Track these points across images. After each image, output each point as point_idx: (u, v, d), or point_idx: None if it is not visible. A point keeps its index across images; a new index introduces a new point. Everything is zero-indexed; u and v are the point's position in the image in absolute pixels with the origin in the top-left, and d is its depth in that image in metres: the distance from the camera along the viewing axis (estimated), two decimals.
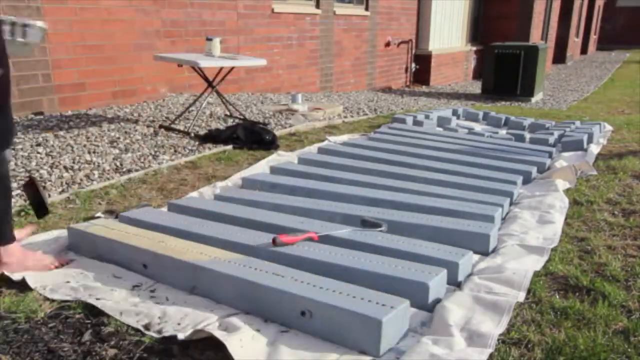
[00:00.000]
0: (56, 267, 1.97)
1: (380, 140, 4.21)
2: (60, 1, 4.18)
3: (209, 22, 5.78)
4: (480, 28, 12.84)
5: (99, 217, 2.49)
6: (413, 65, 10.59)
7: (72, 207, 2.63)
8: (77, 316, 1.64)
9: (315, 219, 2.35)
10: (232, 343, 1.43)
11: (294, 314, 1.58)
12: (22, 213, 2.49)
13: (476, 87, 10.28)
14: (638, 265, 2.07)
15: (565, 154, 4.04)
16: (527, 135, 4.65)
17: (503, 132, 5.04)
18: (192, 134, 4.10)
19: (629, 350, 1.51)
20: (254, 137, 4.02)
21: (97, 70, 4.56)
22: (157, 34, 5.09)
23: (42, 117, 4.11)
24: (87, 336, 1.54)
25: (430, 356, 1.43)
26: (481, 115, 5.81)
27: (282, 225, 2.24)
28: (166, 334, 1.52)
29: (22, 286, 1.83)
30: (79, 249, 2.12)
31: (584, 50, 22.32)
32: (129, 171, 3.20)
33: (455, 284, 1.90)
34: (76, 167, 3.15)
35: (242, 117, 4.81)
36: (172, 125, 4.26)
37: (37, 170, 3.01)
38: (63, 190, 2.81)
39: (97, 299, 1.71)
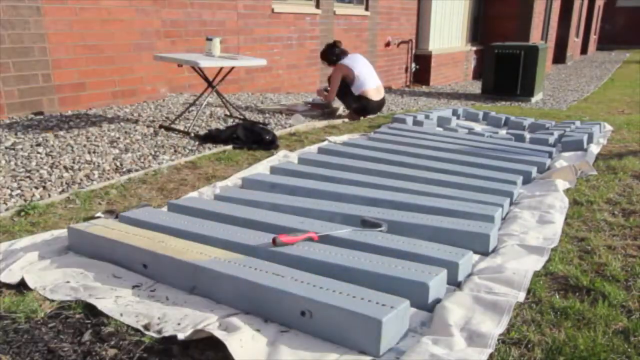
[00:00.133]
0: None
1: (380, 140, 4.21)
2: (60, 1, 4.18)
3: (209, 22, 5.78)
4: (480, 28, 12.84)
5: (99, 217, 2.49)
6: (413, 65, 10.59)
7: (72, 207, 2.63)
8: (77, 316, 1.64)
9: (315, 219, 2.35)
10: (232, 343, 1.43)
11: (294, 314, 1.58)
12: (22, 213, 2.49)
13: (476, 87, 10.28)
14: (638, 265, 2.07)
15: (565, 154, 4.04)
16: (527, 135, 4.65)
17: (503, 132, 5.04)
18: (192, 134, 4.10)
19: (629, 350, 1.52)
20: (254, 137, 4.02)
21: (97, 70, 4.56)
22: (157, 34, 5.09)
23: (42, 117, 4.11)
24: (87, 336, 1.54)
25: (430, 356, 1.43)
26: (481, 115, 5.81)
27: (282, 225, 2.24)
28: (166, 334, 1.52)
29: (22, 286, 1.83)
30: (79, 248, 2.12)
31: (584, 50, 22.32)
32: (129, 171, 3.20)
33: (455, 284, 1.90)
34: (76, 167, 3.15)
35: (242, 117, 4.81)
36: (172, 125, 4.26)
37: (37, 170, 3.01)
38: (63, 190, 2.81)
39: (97, 298, 1.71)
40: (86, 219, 2.47)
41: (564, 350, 1.50)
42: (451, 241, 2.14)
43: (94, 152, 3.44)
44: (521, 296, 1.80)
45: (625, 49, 25.30)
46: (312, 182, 2.93)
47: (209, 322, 1.58)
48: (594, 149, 4.10)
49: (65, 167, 3.12)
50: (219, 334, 1.48)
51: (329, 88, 5.46)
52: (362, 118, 5.52)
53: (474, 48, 12.53)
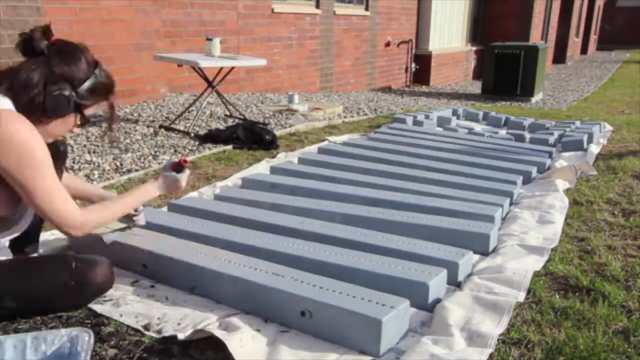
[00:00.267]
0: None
1: (380, 140, 4.21)
2: (60, 1, 4.18)
3: (209, 22, 5.78)
4: (480, 28, 12.85)
5: None
6: (413, 65, 10.59)
7: None
8: (77, 316, 1.64)
9: (315, 219, 2.35)
10: (232, 343, 1.43)
11: (294, 314, 1.58)
12: None
13: (476, 87, 10.28)
14: (638, 265, 2.07)
15: (565, 154, 4.04)
16: (527, 135, 4.65)
17: (503, 132, 5.04)
18: (192, 134, 4.10)
19: (629, 350, 1.52)
20: (254, 137, 4.02)
21: None
22: (157, 34, 5.09)
23: None
24: None
25: (430, 356, 1.43)
26: (481, 115, 5.81)
27: (282, 225, 2.24)
28: (166, 334, 1.52)
29: None
30: (79, 248, 2.11)
31: (584, 50, 22.32)
32: (129, 171, 3.20)
33: (455, 284, 1.90)
34: (76, 167, 3.15)
35: (242, 117, 4.81)
36: (172, 125, 4.26)
37: None
38: None
39: (96, 301, 1.71)
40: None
41: (564, 350, 1.50)
42: (451, 241, 2.14)
43: (94, 152, 3.44)
44: (521, 296, 1.80)
45: (625, 49, 25.30)
46: (312, 182, 2.93)
47: (209, 322, 1.58)
48: (594, 149, 4.10)
49: (65, 167, 3.12)
50: (219, 333, 1.48)
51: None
52: (362, 118, 5.51)
53: (474, 48, 12.53)
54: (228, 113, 4.94)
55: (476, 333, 1.56)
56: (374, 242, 2.06)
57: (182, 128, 4.22)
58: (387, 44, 9.58)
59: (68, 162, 3.18)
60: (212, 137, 4.02)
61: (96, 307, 1.67)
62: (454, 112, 5.91)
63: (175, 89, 5.60)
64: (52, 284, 1.61)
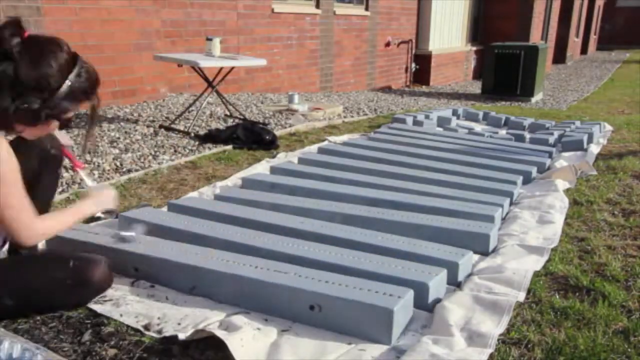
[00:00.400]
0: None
1: (380, 140, 4.21)
2: (60, 1, 4.18)
3: (209, 22, 5.78)
4: (480, 28, 12.84)
5: (99, 217, 2.49)
6: (413, 65, 10.59)
7: None
8: (77, 316, 1.64)
9: (315, 219, 2.35)
10: (233, 342, 1.43)
11: (302, 309, 1.60)
12: None
13: (476, 87, 10.28)
14: (638, 265, 2.07)
15: (565, 154, 4.04)
16: (527, 135, 4.65)
17: (503, 132, 5.04)
18: (192, 134, 4.10)
19: (629, 350, 1.52)
20: (254, 137, 4.02)
21: (97, 70, 4.56)
22: (157, 34, 5.09)
23: None
24: (87, 336, 1.54)
25: (431, 356, 1.43)
26: (481, 115, 5.81)
27: (282, 225, 2.24)
28: (166, 334, 1.52)
29: None
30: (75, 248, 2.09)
31: (584, 50, 22.32)
32: (129, 171, 3.20)
33: (455, 284, 1.90)
34: None
35: (242, 117, 4.81)
36: (172, 125, 4.26)
37: None
38: (63, 190, 2.81)
39: (96, 301, 1.71)
40: (86, 219, 2.46)
41: (564, 350, 1.50)
42: (451, 241, 2.14)
43: (94, 152, 3.44)
44: (521, 296, 1.80)
45: (625, 49, 25.30)
46: (312, 182, 2.93)
47: (210, 321, 1.58)
48: (594, 149, 4.10)
49: (65, 167, 3.12)
50: (220, 333, 1.48)
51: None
52: (362, 118, 5.51)
53: (474, 48, 12.53)
54: (228, 113, 4.94)
55: (476, 333, 1.56)
56: (374, 242, 2.06)
57: (182, 128, 4.22)
58: (387, 44, 9.58)
59: (68, 162, 3.18)
60: (212, 137, 4.02)
61: (96, 307, 1.67)
62: (454, 112, 5.91)
63: (175, 89, 5.60)
64: (50, 282, 1.59)
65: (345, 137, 4.47)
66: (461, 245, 2.07)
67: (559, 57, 16.99)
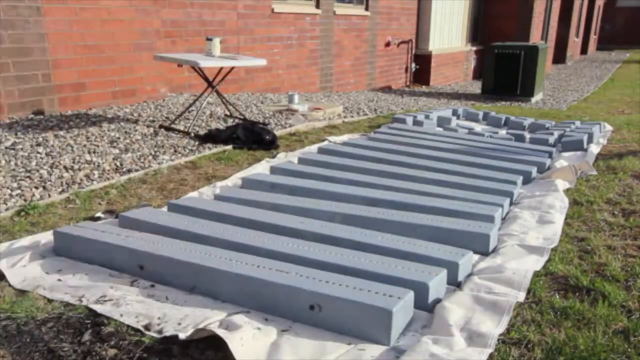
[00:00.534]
0: None
1: (380, 140, 4.21)
2: (60, 1, 4.18)
3: (209, 22, 5.78)
4: (480, 28, 12.84)
5: (99, 217, 2.49)
6: (413, 65, 10.59)
7: (72, 207, 2.63)
8: (77, 316, 1.64)
9: (315, 219, 2.35)
10: (233, 342, 1.43)
11: (302, 308, 1.60)
12: (22, 213, 2.49)
13: (476, 87, 10.28)
14: (638, 265, 2.07)
15: (565, 154, 4.04)
16: (527, 135, 4.66)
17: (503, 132, 5.04)
18: (192, 134, 4.10)
19: (629, 350, 1.52)
20: (254, 137, 4.02)
21: (97, 70, 4.56)
22: (157, 34, 5.09)
23: (42, 117, 4.11)
24: (87, 336, 1.54)
25: (431, 356, 1.43)
26: (481, 115, 5.81)
27: (282, 225, 2.24)
28: (167, 334, 1.52)
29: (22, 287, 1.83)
30: (70, 252, 2.09)
31: (584, 50, 22.32)
32: (129, 171, 3.20)
33: (455, 284, 1.90)
34: (76, 167, 3.15)
35: (242, 117, 4.81)
36: (172, 125, 4.26)
37: (37, 170, 3.01)
38: (63, 190, 2.81)
39: (96, 301, 1.71)
40: (86, 219, 2.47)
41: (564, 350, 1.50)
42: (451, 241, 2.14)
43: (94, 152, 3.44)
44: (521, 296, 1.80)
45: (625, 49, 25.30)
46: (312, 182, 2.93)
47: (210, 321, 1.58)
48: (594, 149, 4.10)
49: (65, 167, 3.12)
50: (220, 332, 1.48)
51: None
52: (362, 118, 5.51)
53: (474, 48, 12.52)
54: (228, 113, 4.94)
55: (476, 333, 1.56)
56: (374, 242, 2.06)
57: (182, 128, 4.22)
58: (387, 44, 9.57)
59: (68, 162, 3.19)
60: (212, 137, 4.02)
61: (96, 307, 1.67)
62: (454, 112, 5.91)
63: (175, 89, 5.60)
64: None
65: (345, 137, 4.47)
66: (461, 245, 2.07)
67: (559, 57, 16.99)
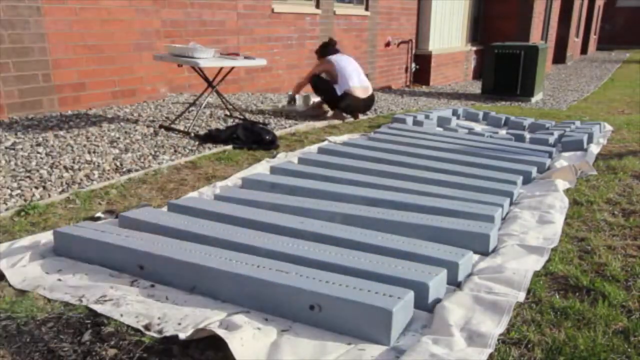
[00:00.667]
0: None
1: (380, 140, 4.21)
2: (60, 1, 4.18)
3: (209, 22, 5.78)
4: (480, 28, 12.84)
5: (99, 217, 2.49)
6: (413, 65, 10.59)
7: (72, 207, 2.63)
8: (77, 316, 1.64)
9: (315, 219, 2.35)
10: (233, 341, 1.43)
11: (302, 308, 1.60)
12: (22, 213, 2.49)
13: (476, 87, 10.28)
14: (638, 265, 2.07)
15: (565, 154, 4.04)
16: (527, 135, 4.66)
17: (503, 132, 5.05)
18: (192, 134, 4.10)
19: (629, 350, 1.52)
20: (254, 137, 4.02)
21: (97, 70, 4.56)
22: (157, 34, 5.09)
23: (42, 117, 4.11)
24: (87, 336, 1.54)
25: (430, 356, 1.43)
26: (481, 115, 5.81)
27: (282, 225, 2.24)
28: (167, 334, 1.52)
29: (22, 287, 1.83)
30: (70, 252, 2.09)
31: (584, 50, 22.32)
32: (129, 171, 3.20)
33: (455, 284, 1.90)
34: (76, 167, 3.15)
35: (242, 117, 4.81)
36: (172, 125, 4.26)
37: (37, 170, 3.01)
38: (63, 190, 2.81)
39: (96, 301, 1.71)
40: (86, 219, 2.47)
41: (564, 350, 1.50)
42: (451, 241, 2.14)
43: (94, 152, 3.44)
44: (521, 296, 1.80)
45: (625, 49, 25.30)
46: (312, 182, 2.93)
47: (210, 321, 1.58)
48: (594, 149, 4.10)
49: (65, 167, 3.12)
50: (220, 332, 1.48)
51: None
52: (362, 118, 5.51)
53: (474, 48, 12.52)
54: (228, 113, 4.95)
55: (476, 333, 1.56)
56: (374, 242, 2.06)
57: (182, 128, 4.22)
58: (387, 44, 9.57)
59: (68, 162, 3.19)
60: (212, 137, 4.02)
61: (96, 307, 1.67)
62: (454, 112, 5.91)
63: (175, 89, 5.60)
64: None
65: (345, 137, 4.47)
66: (461, 245, 2.07)
67: (559, 57, 16.99)
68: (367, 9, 8.79)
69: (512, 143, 4.29)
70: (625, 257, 2.16)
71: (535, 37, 12.98)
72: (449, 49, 11.42)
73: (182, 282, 1.83)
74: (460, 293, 1.80)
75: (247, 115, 4.97)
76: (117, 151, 3.53)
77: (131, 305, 1.68)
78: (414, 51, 10.53)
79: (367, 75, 5.60)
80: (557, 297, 1.82)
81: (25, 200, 2.65)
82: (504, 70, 8.54)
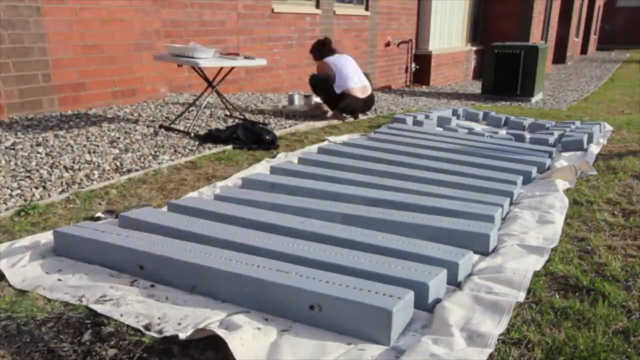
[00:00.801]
0: None
1: (380, 140, 4.21)
2: (60, 1, 4.18)
3: (209, 22, 5.78)
4: (480, 28, 12.84)
5: (99, 217, 2.49)
6: (413, 65, 10.59)
7: (72, 207, 2.63)
8: (77, 316, 1.64)
9: (315, 219, 2.35)
10: (233, 341, 1.43)
11: (302, 308, 1.60)
12: (22, 213, 2.49)
13: (476, 87, 10.28)
14: (638, 265, 2.07)
15: (565, 154, 4.04)
16: (527, 135, 4.66)
17: (503, 132, 5.04)
18: (192, 134, 4.10)
19: (629, 350, 1.52)
20: (254, 137, 4.02)
21: (97, 70, 4.56)
22: (157, 34, 5.09)
23: (41, 117, 4.11)
24: (87, 336, 1.54)
25: (430, 356, 1.43)
26: (481, 115, 5.81)
27: (282, 225, 2.24)
28: (167, 334, 1.52)
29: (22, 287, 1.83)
30: (70, 252, 2.09)
31: (584, 50, 22.32)
32: (129, 171, 3.20)
33: (455, 284, 1.90)
34: (76, 167, 3.15)
35: (242, 117, 4.81)
36: (172, 125, 4.26)
37: (37, 170, 3.01)
38: (63, 190, 2.81)
39: (96, 301, 1.71)
40: (86, 219, 2.47)
41: (564, 350, 1.50)
42: (451, 241, 2.14)
43: (94, 152, 3.44)
44: (521, 296, 1.80)
45: (625, 49, 25.31)
46: (312, 182, 2.93)
47: (210, 321, 1.58)
48: (594, 149, 4.10)
49: (65, 167, 3.12)
50: (220, 332, 1.48)
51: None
52: (362, 118, 5.51)
53: (474, 48, 12.52)
54: (228, 113, 4.95)
55: (476, 333, 1.56)
56: (374, 242, 2.06)
57: (182, 128, 4.22)
58: (387, 44, 9.57)
59: (68, 162, 3.19)
60: (212, 137, 4.02)
61: (96, 307, 1.67)
62: (454, 112, 5.91)
63: (175, 89, 5.60)
64: None
65: (345, 137, 4.47)
66: (461, 245, 2.07)
67: (559, 57, 17.00)
68: (367, 9, 8.79)
69: (512, 143, 4.29)
70: (625, 257, 2.16)
71: (535, 37, 12.98)
72: (449, 49, 11.42)
73: (182, 282, 1.83)
74: (460, 293, 1.80)
75: (247, 115, 4.97)
76: (117, 151, 3.53)
77: (131, 305, 1.68)
78: (414, 51, 10.53)
79: (366, 75, 5.60)
80: (557, 297, 1.82)
81: (25, 200, 2.65)
82: (504, 70, 8.54)
